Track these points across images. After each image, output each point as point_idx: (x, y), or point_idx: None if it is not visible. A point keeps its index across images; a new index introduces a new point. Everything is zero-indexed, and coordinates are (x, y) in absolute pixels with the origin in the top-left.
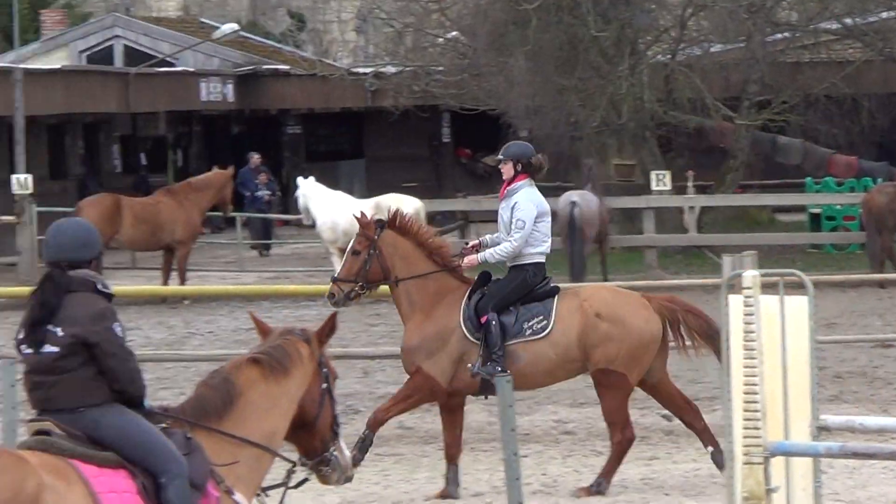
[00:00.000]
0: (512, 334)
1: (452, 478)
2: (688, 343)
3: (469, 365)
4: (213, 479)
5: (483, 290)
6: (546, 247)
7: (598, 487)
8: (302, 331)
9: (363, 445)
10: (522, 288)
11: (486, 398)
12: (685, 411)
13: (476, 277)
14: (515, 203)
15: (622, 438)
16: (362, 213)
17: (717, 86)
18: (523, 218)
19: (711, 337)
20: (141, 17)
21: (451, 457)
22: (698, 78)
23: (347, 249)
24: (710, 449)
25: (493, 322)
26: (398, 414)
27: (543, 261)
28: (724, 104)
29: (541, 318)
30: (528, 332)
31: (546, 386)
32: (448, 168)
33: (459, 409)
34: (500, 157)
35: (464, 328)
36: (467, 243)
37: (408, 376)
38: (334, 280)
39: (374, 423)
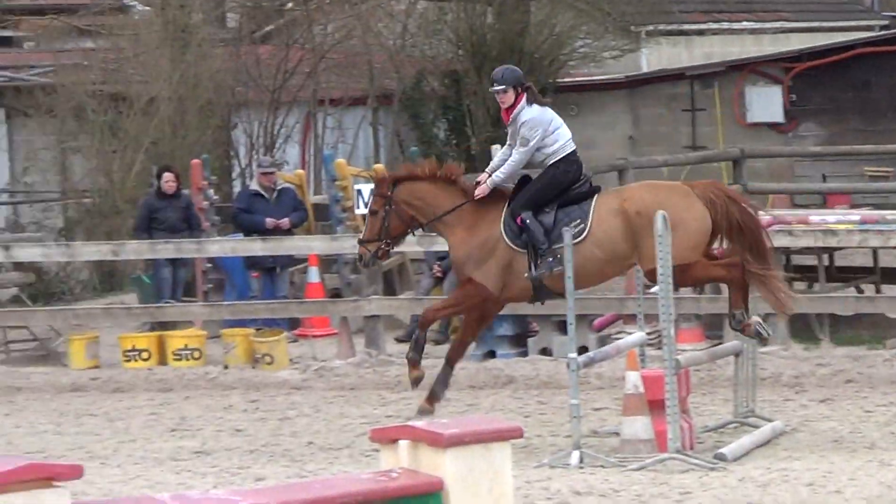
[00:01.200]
0: (552, 240)
1: (443, 378)
2: (727, 229)
3: (525, 274)
4: None
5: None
6: (562, 144)
7: (741, 315)
8: None
9: (416, 346)
10: (553, 185)
11: (542, 304)
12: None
13: (512, 188)
14: (523, 123)
15: (729, 274)
16: (375, 171)
17: None
18: (525, 135)
19: (752, 226)
20: None
21: (452, 360)
22: None
23: (368, 209)
24: (739, 311)
25: (528, 220)
26: (447, 316)
27: (572, 151)
28: None
29: (578, 221)
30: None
31: (599, 284)
32: None
33: (490, 318)
34: (497, 87)
35: (505, 237)
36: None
37: None
38: (360, 242)
39: (424, 322)
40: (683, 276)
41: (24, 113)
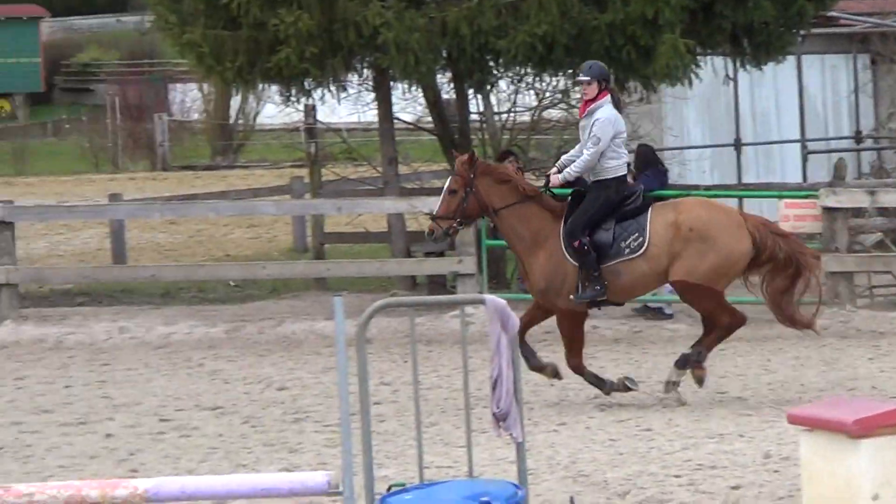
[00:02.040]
0: (611, 255)
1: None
2: (774, 267)
3: (571, 297)
4: None
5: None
6: (623, 162)
7: (698, 356)
8: None
9: (596, 381)
10: (607, 205)
11: (600, 308)
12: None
13: (568, 201)
14: (597, 119)
15: (731, 321)
16: (457, 153)
17: None
18: (599, 134)
19: (802, 263)
20: None
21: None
22: None
23: (444, 189)
24: (695, 349)
25: (586, 246)
26: (579, 351)
27: (625, 174)
28: None
29: (636, 235)
30: (627, 251)
31: (642, 295)
32: None
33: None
34: (583, 76)
35: (566, 254)
36: (549, 173)
37: None
38: (434, 218)
39: (577, 370)
40: (700, 297)
41: (890, 59)
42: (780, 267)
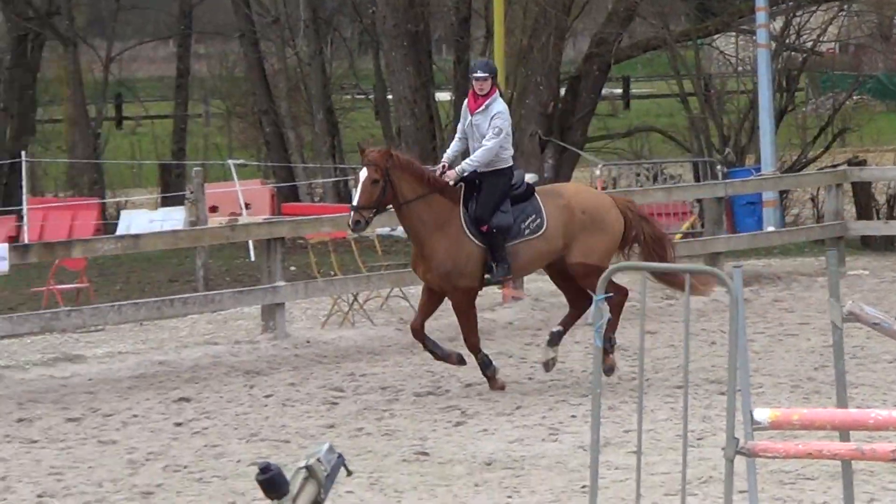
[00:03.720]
0: (512, 235)
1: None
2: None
3: (486, 276)
4: None
5: (473, 198)
6: (511, 152)
7: (610, 343)
8: None
9: (487, 365)
10: (505, 191)
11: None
12: (577, 298)
13: (462, 188)
14: (497, 112)
15: (618, 299)
16: (364, 146)
17: None
18: (501, 126)
19: (659, 244)
20: None
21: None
22: None
23: (363, 179)
24: (560, 328)
25: (494, 229)
26: (475, 332)
27: (514, 164)
28: None
29: (534, 216)
30: (527, 231)
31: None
32: None
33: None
34: (480, 73)
35: (471, 237)
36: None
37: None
38: (356, 209)
39: (475, 349)
40: (592, 277)
41: None
42: (646, 245)
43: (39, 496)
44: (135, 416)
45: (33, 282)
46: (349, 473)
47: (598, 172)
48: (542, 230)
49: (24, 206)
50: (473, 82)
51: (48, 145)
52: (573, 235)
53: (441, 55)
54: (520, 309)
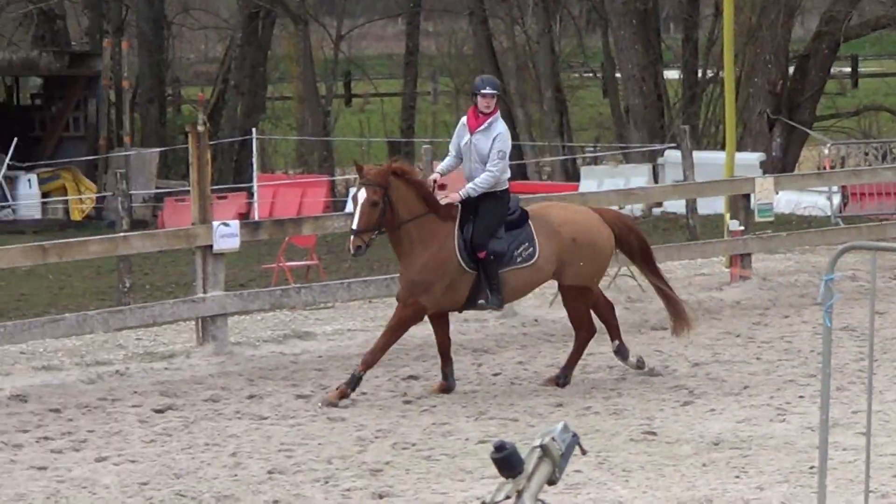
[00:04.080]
0: (504, 263)
1: (449, 372)
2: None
3: (481, 301)
4: None
5: (470, 221)
6: (509, 174)
7: (564, 379)
8: None
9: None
10: (502, 215)
11: (461, 312)
12: (602, 306)
13: (460, 209)
14: (499, 134)
15: (587, 335)
16: (359, 164)
17: None
18: (504, 149)
19: (646, 257)
20: None
21: (445, 353)
22: None
23: (362, 201)
24: (616, 343)
25: (492, 255)
26: (383, 354)
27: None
28: None
29: (527, 244)
30: (519, 259)
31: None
32: None
33: (446, 317)
34: (490, 90)
35: (460, 259)
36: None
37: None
38: (357, 233)
39: (370, 366)
40: (582, 299)
41: None
42: (635, 256)
43: (269, 472)
44: (363, 393)
45: (263, 259)
46: (584, 453)
47: (826, 151)
48: (534, 259)
49: (255, 183)
50: (479, 99)
51: (278, 122)
52: (564, 262)
53: (669, 33)
54: (747, 288)
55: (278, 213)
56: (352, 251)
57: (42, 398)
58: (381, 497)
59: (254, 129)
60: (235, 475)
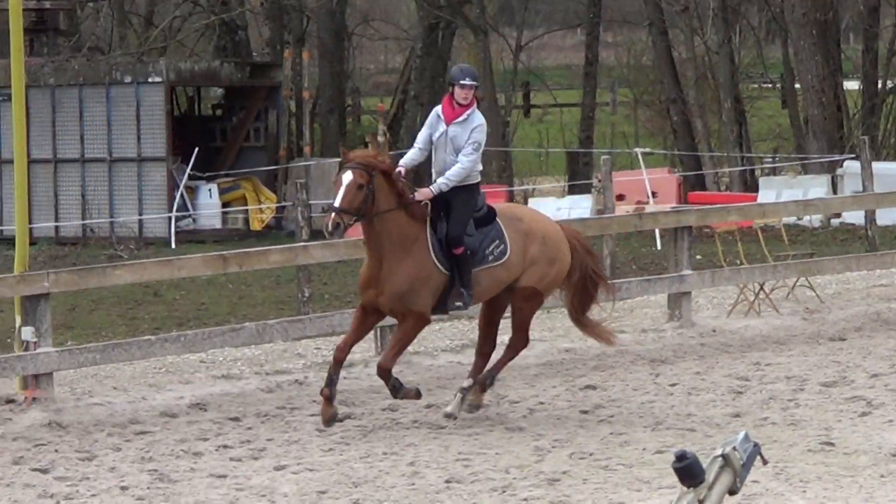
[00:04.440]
0: (476, 261)
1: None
2: (580, 280)
3: (458, 304)
4: None
5: (442, 220)
6: (481, 167)
7: (491, 381)
8: None
9: (395, 389)
10: (474, 210)
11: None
12: (488, 337)
13: (429, 208)
14: (478, 125)
15: (523, 345)
16: (354, 152)
17: None
18: (480, 140)
19: (595, 281)
20: None
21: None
22: None
23: (348, 182)
24: (468, 382)
25: (468, 251)
26: (398, 357)
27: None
28: None
29: (497, 242)
30: (490, 257)
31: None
32: None
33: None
34: (470, 81)
35: (437, 263)
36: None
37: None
38: (338, 211)
39: (384, 373)
40: (533, 305)
41: None
42: (584, 280)
43: (447, 482)
44: (541, 403)
45: None
46: (765, 462)
47: None
48: (506, 257)
49: None
50: (457, 89)
51: None
52: (532, 261)
53: (849, 43)
54: None
55: None
56: (329, 228)
57: (221, 407)
58: None
59: None
60: (413, 484)
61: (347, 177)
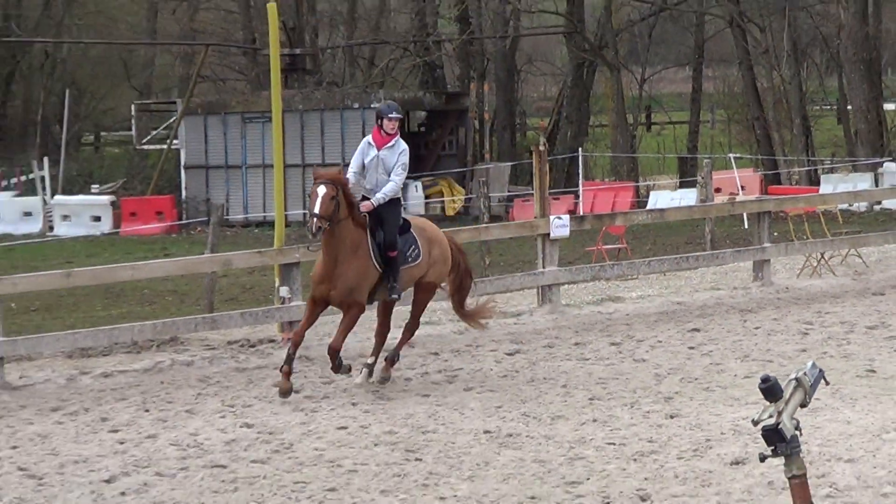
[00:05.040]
0: (400, 262)
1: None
2: (456, 273)
3: (393, 296)
4: None
5: (378, 227)
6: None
7: (396, 358)
8: None
9: (338, 367)
10: (399, 219)
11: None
12: (384, 324)
13: (368, 217)
14: (403, 150)
15: (416, 327)
16: (321, 171)
17: None
18: (406, 163)
19: (467, 275)
20: None
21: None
22: None
23: (322, 194)
24: (372, 359)
25: (399, 256)
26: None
27: None
28: None
29: (413, 247)
30: (410, 259)
31: None
32: None
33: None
34: (397, 115)
35: (375, 262)
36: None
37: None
38: (318, 217)
39: (334, 353)
40: (431, 293)
41: None
42: (461, 275)
43: (590, 399)
44: (659, 341)
45: (586, 243)
46: (827, 384)
47: None
48: (419, 259)
49: (580, 188)
50: (385, 122)
51: (597, 144)
52: (433, 262)
53: (888, 74)
54: None
55: (597, 210)
56: (313, 230)
57: (425, 345)
58: (671, 417)
59: (580, 149)
60: (565, 401)
61: (322, 189)
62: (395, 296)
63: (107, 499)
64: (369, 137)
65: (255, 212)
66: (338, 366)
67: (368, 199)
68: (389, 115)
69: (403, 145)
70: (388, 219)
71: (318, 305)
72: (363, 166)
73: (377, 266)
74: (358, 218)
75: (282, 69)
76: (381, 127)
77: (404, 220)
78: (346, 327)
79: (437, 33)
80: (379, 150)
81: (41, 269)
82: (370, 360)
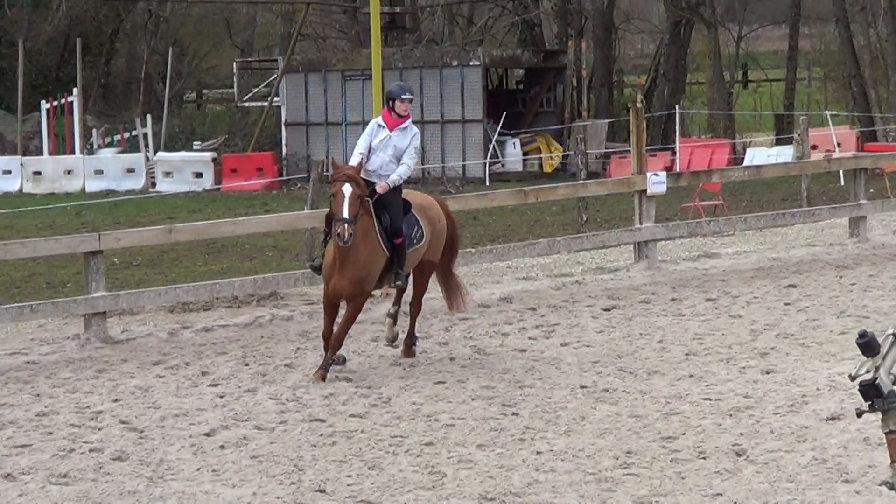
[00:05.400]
0: (406, 247)
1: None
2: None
3: (398, 283)
4: None
5: (383, 213)
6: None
7: (414, 342)
8: None
9: (331, 364)
10: (401, 203)
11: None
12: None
13: (371, 204)
14: (416, 133)
15: (419, 309)
16: (339, 164)
17: None
18: (419, 146)
19: (454, 242)
20: None
21: (328, 339)
22: None
23: (349, 194)
24: (395, 308)
25: (405, 242)
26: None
27: None
28: None
29: (417, 228)
30: (415, 240)
31: None
32: None
33: (337, 307)
34: (409, 96)
35: (383, 248)
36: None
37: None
38: (347, 221)
39: (337, 345)
40: (432, 271)
41: None
42: (451, 241)
43: (686, 354)
44: (755, 297)
45: (682, 199)
46: None
47: None
48: (424, 240)
49: (677, 145)
50: (398, 103)
51: (694, 101)
52: (435, 239)
53: None
54: None
55: (694, 166)
56: (345, 238)
57: (522, 300)
58: (767, 373)
59: (676, 106)
60: (661, 356)
61: (348, 189)
62: (399, 282)
63: (206, 451)
64: (379, 119)
65: None
66: (329, 359)
67: (374, 182)
68: (402, 97)
69: (415, 129)
70: (392, 204)
71: (331, 300)
72: (370, 148)
73: (386, 252)
74: (366, 206)
75: (381, 27)
76: (392, 108)
77: (404, 200)
78: (351, 318)
79: None
80: (391, 130)
81: (143, 224)
82: (392, 310)
